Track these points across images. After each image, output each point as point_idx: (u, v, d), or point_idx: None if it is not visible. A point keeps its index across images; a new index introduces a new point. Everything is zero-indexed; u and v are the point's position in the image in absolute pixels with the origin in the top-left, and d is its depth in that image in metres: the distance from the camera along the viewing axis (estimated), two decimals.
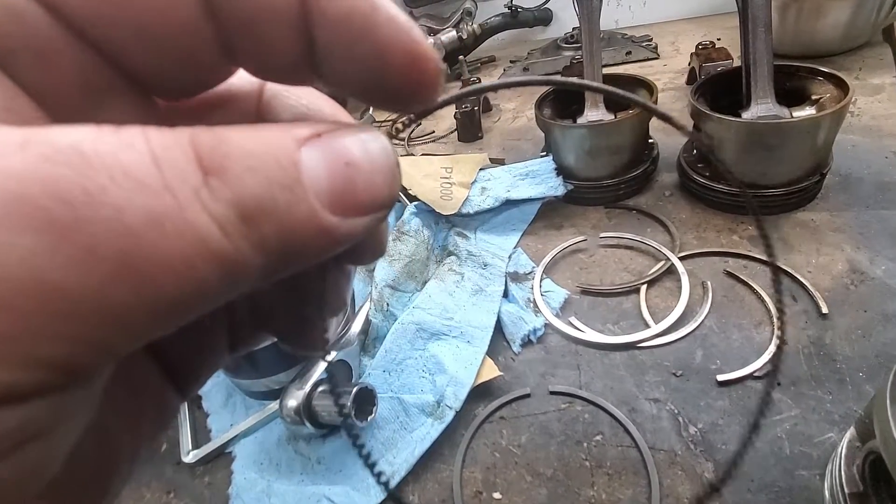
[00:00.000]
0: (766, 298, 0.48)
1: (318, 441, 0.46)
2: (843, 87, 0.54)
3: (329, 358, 0.16)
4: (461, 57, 1.11)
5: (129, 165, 0.08)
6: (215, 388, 0.56)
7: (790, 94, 0.58)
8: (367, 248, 0.14)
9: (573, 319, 0.52)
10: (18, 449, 0.08)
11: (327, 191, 0.09)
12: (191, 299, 0.08)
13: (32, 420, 0.08)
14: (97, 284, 0.07)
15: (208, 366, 0.15)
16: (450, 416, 0.44)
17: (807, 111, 0.56)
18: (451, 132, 0.96)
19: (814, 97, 0.57)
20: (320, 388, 0.45)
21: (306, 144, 0.09)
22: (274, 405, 0.49)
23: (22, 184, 0.07)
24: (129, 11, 0.10)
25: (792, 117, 0.55)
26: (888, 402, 0.26)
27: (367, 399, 0.44)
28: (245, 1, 0.10)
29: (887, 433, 0.26)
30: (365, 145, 0.10)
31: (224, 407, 0.54)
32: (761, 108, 0.57)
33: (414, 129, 1.02)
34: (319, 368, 0.47)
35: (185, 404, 0.55)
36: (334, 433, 0.47)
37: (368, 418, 0.44)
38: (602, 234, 0.61)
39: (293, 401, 0.44)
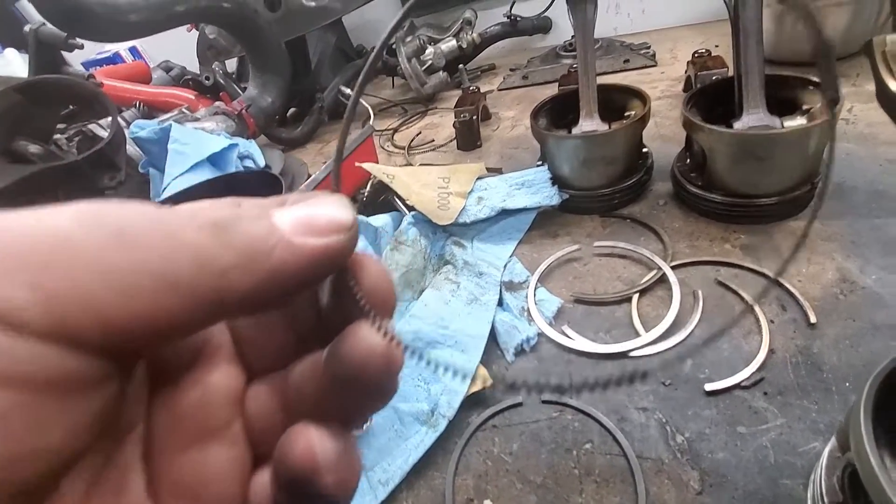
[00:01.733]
0: (756, 307, 0.48)
1: None
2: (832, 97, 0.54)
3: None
4: (461, 66, 1.13)
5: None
6: None
7: (783, 103, 0.59)
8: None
9: (566, 328, 0.52)
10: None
11: (291, 221, 0.13)
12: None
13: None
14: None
15: None
16: (443, 424, 0.45)
17: (798, 121, 0.57)
18: (451, 141, 0.97)
19: (805, 107, 0.57)
20: None
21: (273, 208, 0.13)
22: None
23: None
24: None
25: (783, 127, 0.56)
26: (862, 414, 0.27)
27: None
28: None
29: (860, 446, 0.26)
30: (322, 200, 0.14)
31: None
32: (753, 118, 0.57)
33: (414, 139, 1.04)
34: None
35: None
36: None
37: (364, 426, 0.45)
38: (596, 243, 0.61)
39: None
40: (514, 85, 1.14)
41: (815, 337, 0.45)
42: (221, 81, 1.14)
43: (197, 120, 0.98)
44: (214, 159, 0.78)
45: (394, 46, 1.14)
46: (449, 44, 1.17)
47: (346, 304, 0.15)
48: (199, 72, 1.18)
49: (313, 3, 1.07)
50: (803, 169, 0.55)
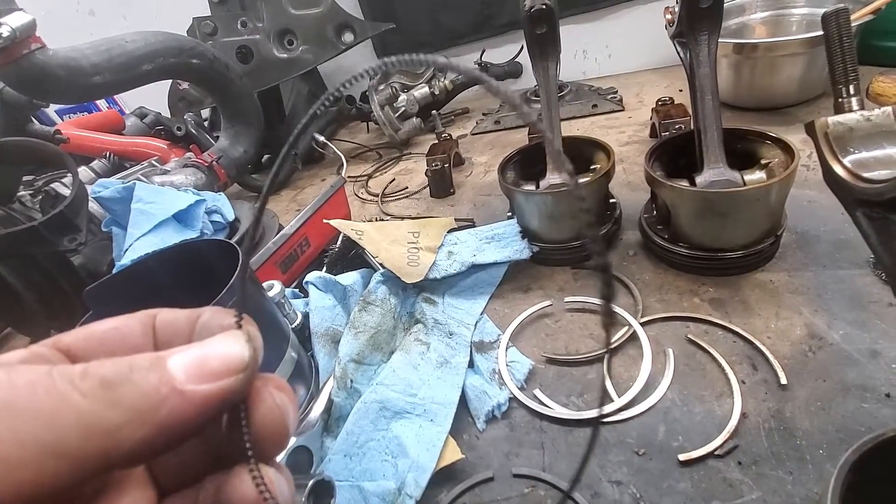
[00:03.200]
0: (727, 367, 0.48)
1: None
2: (790, 151, 0.55)
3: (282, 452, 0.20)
4: (434, 111, 1.14)
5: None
6: None
7: (742, 155, 0.60)
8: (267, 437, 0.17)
9: (538, 392, 0.51)
10: None
11: (184, 366, 0.14)
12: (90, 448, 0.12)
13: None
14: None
15: None
16: None
17: (757, 175, 0.58)
18: (424, 188, 0.98)
19: (763, 161, 0.58)
20: None
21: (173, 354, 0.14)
22: None
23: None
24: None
25: (743, 181, 0.57)
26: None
27: (325, 491, 0.43)
28: None
29: None
30: (219, 340, 0.15)
31: None
32: (713, 173, 0.58)
33: (388, 186, 1.04)
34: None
35: None
36: None
37: None
38: (567, 298, 0.61)
39: None
40: (486, 129, 1.16)
41: (787, 399, 0.44)
42: (193, 132, 1.14)
43: (166, 173, 0.97)
44: (180, 216, 0.77)
45: (367, 94, 1.15)
46: (422, 90, 1.19)
47: (238, 439, 0.16)
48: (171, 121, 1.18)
49: (285, 55, 1.08)
50: (766, 222, 0.55)
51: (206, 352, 0.14)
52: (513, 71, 1.29)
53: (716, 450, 0.42)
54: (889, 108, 0.32)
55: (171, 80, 1.22)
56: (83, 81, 0.75)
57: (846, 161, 0.31)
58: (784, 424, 0.42)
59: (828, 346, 0.47)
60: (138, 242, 0.72)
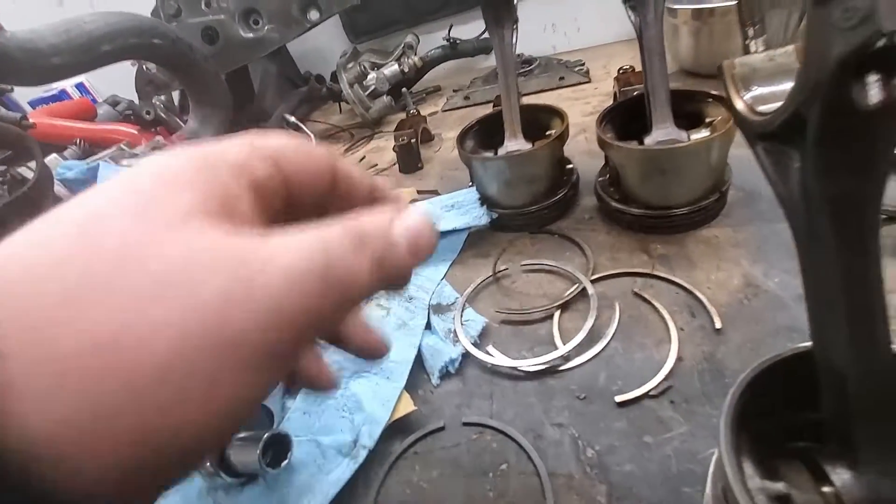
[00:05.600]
0: (667, 316, 0.50)
1: (237, 490, 0.46)
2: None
3: None
4: (404, 89, 1.15)
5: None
6: None
7: (691, 116, 0.62)
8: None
9: (490, 348, 0.53)
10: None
11: (405, 236, 0.17)
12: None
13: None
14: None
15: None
16: (363, 455, 0.45)
17: (703, 133, 0.59)
18: (393, 164, 0.98)
19: (708, 119, 0.60)
20: (236, 437, 0.46)
21: (393, 222, 0.17)
22: None
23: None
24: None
25: (689, 139, 0.58)
26: (721, 423, 0.28)
27: (281, 446, 0.45)
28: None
29: (722, 452, 0.27)
30: (421, 218, 0.18)
31: None
32: (661, 133, 0.60)
33: (359, 163, 1.04)
34: None
35: None
36: (253, 481, 0.47)
37: (281, 465, 0.44)
38: (524, 262, 0.62)
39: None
40: (456, 106, 1.17)
41: (721, 343, 0.46)
42: (163, 116, 1.13)
43: (135, 156, 0.97)
44: None
45: (336, 73, 1.15)
46: (391, 68, 1.19)
47: None
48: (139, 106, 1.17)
49: (251, 35, 1.08)
50: (709, 178, 0.57)
51: (420, 228, 0.17)
52: (483, 47, 1.29)
53: (651, 391, 0.44)
54: (791, 47, 0.33)
55: (137, 66, 1.21)
56: (42, 63, 0.74)
57: (746, 97, 0.32)
58: (716, 366, 0.44)
59: (763, 294, 0.50)
60: None
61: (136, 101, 1.49)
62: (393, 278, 0.17)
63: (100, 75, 1.86)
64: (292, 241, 0.14)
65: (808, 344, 0.31)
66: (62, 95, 1.71)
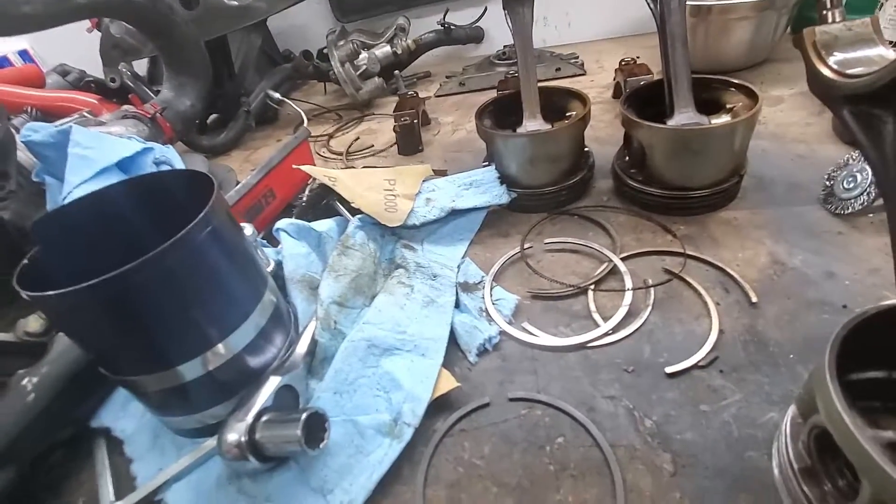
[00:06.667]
0: (703, 292, 0.50)
1: (265, 476, 0.42)
2: (752, 96, 0.59)
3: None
4: (396, 72, 1.11)
5: None
6: (139, 430, 0.50)
7: (707, 104, 0.63)
8: None
9: (526, 325, 0.52)
10: None
11: None
12: None
13: None
14: None
15: None
16: (409, 433, 0.42)
17: (723, 118, 0.61)
18: (391, 146, 0.95)
19: (728, 106, 0.62)
20: (265, 418, 0.42)
21: None
22: (211, 442, 0.44)
23: None
24: None
25: (710, 124, 0.60)
26: (828, 376, 0.28)
27: (317, 425, 0.41)
28: None
29: (830, 406, 0.27)
30: None
31: (151, 450, 0.48)
32: (683, 117, 0.61)
33: (352, 144, 1.00)
34: (262, 396, 0.43)
35: (104, 450, 0.49)
36: (282, 465, 0.43)
37: (321, 445, 0.40)
38: (547, 240, 0.62)
39: (234, 434, 0.40)
40: (451, 91, 1.15)
41: (758, 316, 0.47)
42: (130, 84, 1.04)
43: (102, 124, 0.87)
44: (125, 165, 0.69)
45: (325, 51, 1.10)
46: (383, 49, 1.15)
47: None
48: (102, 74, 1.06)
49: (235, 3, 1.01)
50: (731, 161, 0.59)
51: None
52: (475, 35, 1.28)
53: (699, 362, 0.44)
54: (867, 18, 0.34)
55: (103, 29, 1.10)
56: (12, 10, 0.66)
57: (832, 62, 0.32)
58: (757, 337, 0.45)
59: (790, 271, 0.51)
60: (78, 191, 0.64)
61: (87, 71, 1.36)
62: None
63: (46, 43, 1.69)
64: None
65: (892, 302, 0.31)
66: (2, 62, 1.54)
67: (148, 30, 0.90)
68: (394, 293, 0.55)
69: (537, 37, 1.32)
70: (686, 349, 0.46)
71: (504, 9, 0.70)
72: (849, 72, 0.32)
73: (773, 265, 0.52)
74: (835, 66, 0.34)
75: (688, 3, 0.89)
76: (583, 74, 1.08)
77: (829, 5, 0.36)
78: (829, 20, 0.36)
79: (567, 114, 0.70)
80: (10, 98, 1.12)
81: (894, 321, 0.30)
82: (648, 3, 0.66)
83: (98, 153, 0.68)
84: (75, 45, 1.30)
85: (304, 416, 0.40)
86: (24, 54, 1.61)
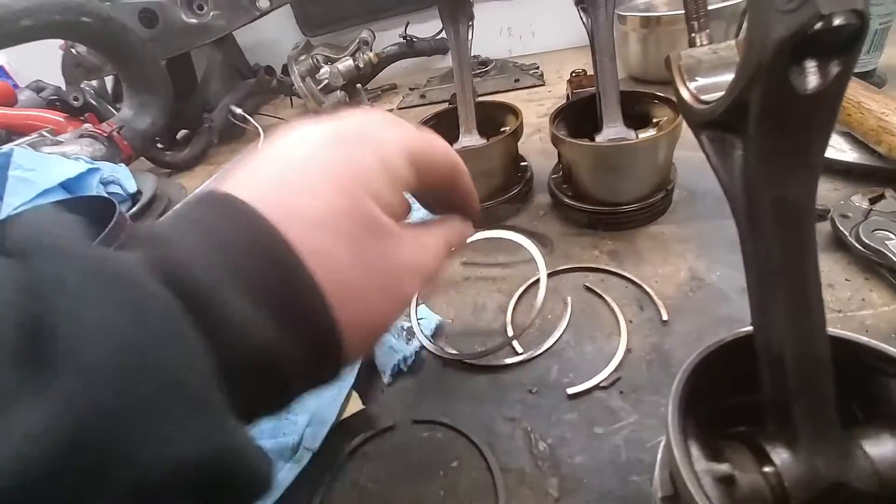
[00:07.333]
0: (617, 309, 0.50)
1: None
2: (676, 110, 0.59)
3: None
4: (359, 85, 1.12)
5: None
6: None
7: (639, 117, 0.64)
8: None
9: (443, 344, 0.52)
10: None
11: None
12: None
13: None
14: None
15: None
16: (307, 457, 0.42)
17: (650, 132, 0.61)
18: None
19: (655, 119, 0.62)
20: None
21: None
22: None
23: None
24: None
25: (637, 139, 0.60)
26: (670, 404, 0.28)
27: None
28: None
29: (669, 438, 0.27)
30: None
31: None
32: (612, 131, 0.61)
33: None
34: None
35: None
36: None
37: None
38: (479, 258, 0.62)
39: None
40: (412, 104, 1.15)
41: (667, 334, 0.47)
42: (93, 102, 1.05)
43: (59, 143, 0.89)
44: (70, 186, 0.71)
45: (287, 65, 1.11)
46: (346, 63, 1.16)
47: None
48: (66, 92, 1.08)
49: (195, 20, 1.02)
50: (656, 176, 0.59)
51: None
52: (440, 47, 1.29)
53: (601, 382, 0.44)
54: (733, 41, 0.34)
55: (65, 48, 1.12)
56: None
57: (692, 87, 0.33)
58: (662, 356, 0.45)
59: (706, 287, 0.51)
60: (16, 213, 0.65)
61: (63, 87, 1.38)
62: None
63: (23, 58, 1.71)
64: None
65: (749, 329, 0.32)
66: None
67: (102, 49, 0.91)
68: None
69: (503, 47, 1.34)
70: (593, 369, 0.46)
71: (442, 24, 0.70)
72: (703, 97, 0.32)
73: (690, 281, 0.52)
74: (694, 91, 0.34)
75: (638, 14, 0.90)
76: (541, 85, 1.09)
77: (696, 28, 0.36)
78: (697, 43, 0.36)
79: (503, 128, 0.70)
80: None
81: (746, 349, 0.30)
82: (581, 18, 0.66)
83: (39, 175, 0.69)
84: (52, 62, 1.32)
85: None
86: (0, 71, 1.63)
